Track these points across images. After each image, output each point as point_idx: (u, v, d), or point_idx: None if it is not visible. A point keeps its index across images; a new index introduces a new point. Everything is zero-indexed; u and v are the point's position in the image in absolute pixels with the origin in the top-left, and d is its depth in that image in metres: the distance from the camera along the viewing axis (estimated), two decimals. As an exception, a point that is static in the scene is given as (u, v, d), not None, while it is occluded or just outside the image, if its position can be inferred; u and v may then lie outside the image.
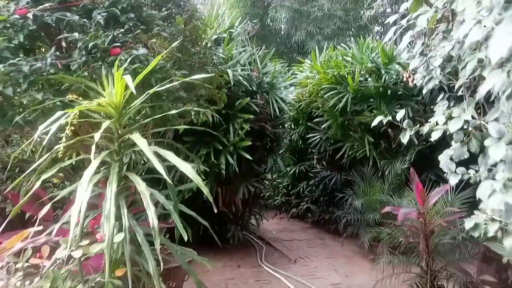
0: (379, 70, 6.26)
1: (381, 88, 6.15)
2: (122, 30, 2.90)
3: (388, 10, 16.84)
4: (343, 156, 6.66)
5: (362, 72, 6.40)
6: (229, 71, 4.92)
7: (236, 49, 5.56)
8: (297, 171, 7.94)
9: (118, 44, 2.79)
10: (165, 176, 2.12)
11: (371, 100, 6.26)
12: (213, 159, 5.05)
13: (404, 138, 2.86)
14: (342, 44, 7.43)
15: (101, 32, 2.82)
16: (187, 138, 5.11)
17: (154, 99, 3.00)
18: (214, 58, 3.83)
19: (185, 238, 2.43)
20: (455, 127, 2.56)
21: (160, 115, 2.76)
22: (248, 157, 5.13)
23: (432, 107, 6.14)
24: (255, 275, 5.11)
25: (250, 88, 5.44)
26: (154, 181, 4.23)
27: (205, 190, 2.11)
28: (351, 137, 6.53)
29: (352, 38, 6.88)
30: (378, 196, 5.62)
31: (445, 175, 2.77)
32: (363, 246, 5.74)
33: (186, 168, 2.16)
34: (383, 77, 6.14)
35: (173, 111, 2.78)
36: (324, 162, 7.49)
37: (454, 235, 3.83)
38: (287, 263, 5.65)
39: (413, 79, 3.15)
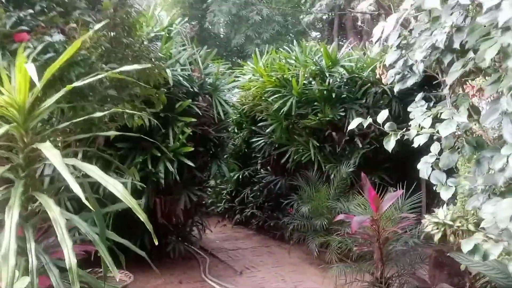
0: (323, 73, 6.17)
1: (325, 91, 6.05)
2: (31, 11, 2.39)
3: (325, 16, 17.19)
4: (288, 161, 6.48)
5: (306, 75, 6.27)
6: (168, 71, 4.52)
7: (175, 48, 5.16)
8: (241, 176, 7.67)
9: (26, 28, 2.29)
10: (82, 197, 1.68)
11: (316, 103, 6.14)
12: (150, 167, 4.61)
13: (389, 144, 2.55)
14: (284, 47, 7.28)
15: (1, 11, 2.29)
16: (121, 145, 4.63)
17: (76, 98, 2.55)
18: (151, 54, 3.42)
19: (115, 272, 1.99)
20: (447, 131, 2.22)
21: (82, 118, 2.30)
22: (190, 163, 4.75)
23: (375, 110, 6.22)
24: (199, 291, 4.74)
25: (192, 90, 5.07)
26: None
27: (142, 216, 1.71)
28: (296, 141, 6.37)
29: (291, 43, 6.72)
30: (325, 201, 5.49)
31: (434, 187, 2.49)
32: (311, 253, 5.58)
33: (114, 185, 1.75)
34: (327, 80, 6.05)
35: (99, 114, 2.34)
36: (268, 167, 7.29)
37: (406, 240, 3.73)
38: (232, 275, 5.33)
39: (386, 76, 2.87)
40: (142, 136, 3.27)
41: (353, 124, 2.67)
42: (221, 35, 18.21)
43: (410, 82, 2.67)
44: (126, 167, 4.61)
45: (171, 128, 4.76)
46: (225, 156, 5.93)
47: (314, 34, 18.87)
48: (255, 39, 15.66)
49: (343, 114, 5.97)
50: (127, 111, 2.53)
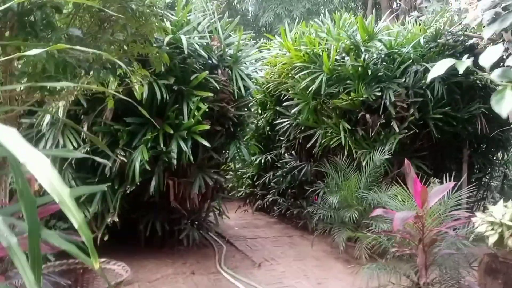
0: (358, 48, 5.53)
1: (359, 68, 5.42)
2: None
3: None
4: (315, 145, 5.91)
5: (338, 50, 5.64)
6: (183, 38, 4.01)
7: (193, 13, 4.63)
8: (263, 160, 7.16)
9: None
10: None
11: (348, 81, 5.52)
12: (162, 145, 4.15)
13: (502, 104, 1.30)
14: (315, 19, 6.63)
15: None
16: (130, 119, 4.17)
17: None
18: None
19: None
20: None
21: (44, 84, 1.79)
22: (206, 144, 4.26)
23: (415, 92, 5.56)
24: (211, 284, 4.30)
25: (210, 61, 4.55)
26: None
27: (75, 218, 1.00)
28: (324, 123, 5.79)
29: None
30: (355, 191, 4.92)
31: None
32: (337, 247, 5.07)
33: (36, 161, 0.87)
34: (362, 56, 5.41)
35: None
36: (293, 151, 6.74)
37: (453, 242, 3.14)
38: (250, 267, 4.86)
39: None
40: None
41: (437, 70, 1.60)
42: (249, 14, 17.54)
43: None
44: (135, 145, 4.18)
45: (186, 103, 4.28)
46: (245, 137, 5.40)
47: (346, 15, 17.93)
48: (284, 18, 14.92)
49: (378, 94, 5.33)
50: (110, 57, 1.99)
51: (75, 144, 3.96)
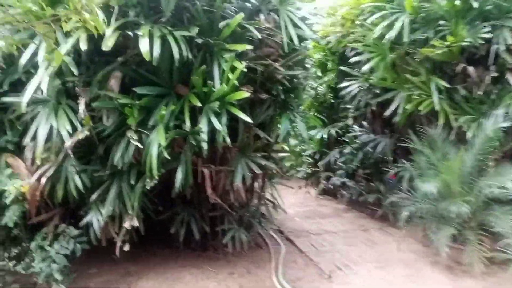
0: (455, -28, 3.95)
1: (458, 2, 3.85)
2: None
3: None
4: (395, 112, 4.49)
5: (425, -20, 4.11)
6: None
7: None
8: (326, 135, 5.89)
9: None
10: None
11: (441, 22, 4.01)
12: (188, 123, 3.00)
13: None
14: None
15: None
16: (143, 90, 3.04)
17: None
18: None
19: None
20: None
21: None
22: (247, 118, 3.03)
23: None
24: (265, 308, 3.17)
25: (248, 3, 3.28)
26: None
27: None
28: (407, 82, 4.35)
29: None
30: (460, 175, 3.51)
31: None
32: (430, 245, 3.76)
33: None
34: (463, -16, 3.85)
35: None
36: (365, 122, 5.50)
37: None
38: (317, 278, 3.68)
39: None
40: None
41: None
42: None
43: None
44: (152, 124, 3.07)
45: (216, 63, 3.06)
46: (300, 107, 4.06)
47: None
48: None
49: (487, 36, 3.78)
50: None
51: (69, 128, 2.92)
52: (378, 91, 4.87)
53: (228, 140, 3.05)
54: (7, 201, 2.81)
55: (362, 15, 4.63)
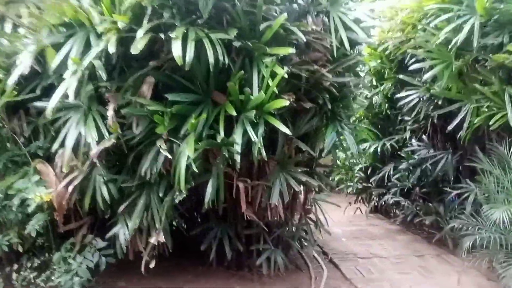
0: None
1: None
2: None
3: None
4: (461, 126, 3.95)
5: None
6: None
7: None
8: (379, 148, 5.43)
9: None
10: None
11: (519, 25, 3.46)
12: (222, 133, 2.74)
13: None
14: None
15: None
16: (177, 97, 2.83)
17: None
18: None
19: None
20: None
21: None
22: (286, 130, 2.72)
23: None
24: None
25: (295, 4, 2.98)
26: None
27: None
28: (475, 93, 3.82)
29: None
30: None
31: None
32: (502, 285, 3.20)
33: None
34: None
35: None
36: (424, 136, 5.03)
37: None
38: (362, 312, 3.25)
39: None
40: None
41: None
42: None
43: None
44: (183, 133, 2.85)
45: (256, 68, 2.78)
46: (351, 117, 3.65)
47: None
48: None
49: None
50: None
51: (95, 135, 2.77)
52: (440, 102, 4.35)
53: (263, 153, 2.75)
54: (29, 209, 2.71)
55: (424, 18, 4.17)
